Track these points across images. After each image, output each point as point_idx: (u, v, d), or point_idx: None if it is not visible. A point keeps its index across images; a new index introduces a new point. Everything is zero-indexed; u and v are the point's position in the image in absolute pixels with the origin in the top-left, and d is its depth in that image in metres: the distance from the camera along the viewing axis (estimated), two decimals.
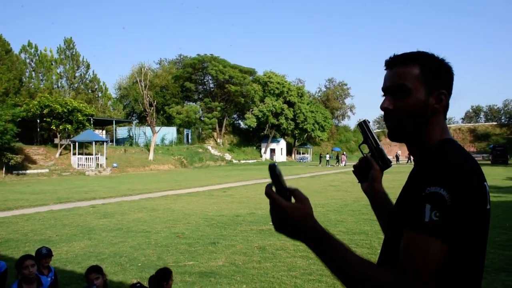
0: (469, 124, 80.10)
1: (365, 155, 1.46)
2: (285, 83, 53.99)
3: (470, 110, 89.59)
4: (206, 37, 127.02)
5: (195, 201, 14.54)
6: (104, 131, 44.80)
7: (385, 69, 1.26)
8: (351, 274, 1.01)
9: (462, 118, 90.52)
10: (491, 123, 78.80)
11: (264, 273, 6.09)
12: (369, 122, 1.47)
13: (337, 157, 47.87)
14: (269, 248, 7.57)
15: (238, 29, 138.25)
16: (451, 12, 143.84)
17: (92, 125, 37.83)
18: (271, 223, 1.08)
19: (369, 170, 1.46)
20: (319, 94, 75.75)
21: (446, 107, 1.22)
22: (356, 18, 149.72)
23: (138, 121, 53.13)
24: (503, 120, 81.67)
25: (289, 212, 1.03)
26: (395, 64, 1.23)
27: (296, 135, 58.58)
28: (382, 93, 1.25)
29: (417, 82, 1.18)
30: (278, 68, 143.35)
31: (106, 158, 33.62)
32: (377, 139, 1.46)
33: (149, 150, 39.01)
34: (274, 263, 6.57)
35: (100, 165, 32.92)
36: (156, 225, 10.08)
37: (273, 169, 1.03)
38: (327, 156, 47.77)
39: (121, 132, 48.31)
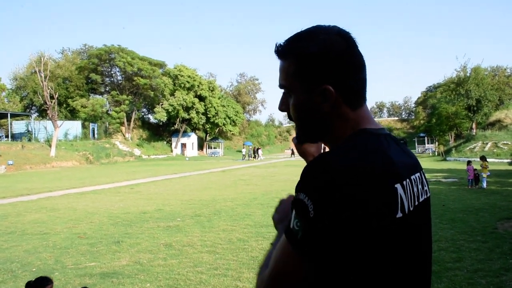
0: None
1: None
2: (196, 77, 53.49)
3: (375, 106, 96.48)
4: (113, 26, 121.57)
5: (100, 199, 13.87)
6: None
7: None
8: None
9: None
10: (393, 118, 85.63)
11: (169, 270, 5.99)
12: None
13: (254, 151, 49.59)
14: (175, 244, 7.45)
15: (147, 19, 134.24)
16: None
17: None
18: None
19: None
20: (231, 89, 76.27)
21: (348, 97, 0.98)
22: (268, 13, 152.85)
23: (37, 114, 49.35)
24: (403, 116, 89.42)
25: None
26: (279, 56, 1.03)
27: (208, 129, 58.53)
28: None
29: (294, 80, 1.00)
30: (189, 61, 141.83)
31: (0, 155, 30.78)
32: None
33: (50, 146, 36.42)
34: (180, 260, 6.48)
35: None
36: (56, 226, 9.44)
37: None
38: (243, 150, 49.44)
39: (18, 126, 44.42)
